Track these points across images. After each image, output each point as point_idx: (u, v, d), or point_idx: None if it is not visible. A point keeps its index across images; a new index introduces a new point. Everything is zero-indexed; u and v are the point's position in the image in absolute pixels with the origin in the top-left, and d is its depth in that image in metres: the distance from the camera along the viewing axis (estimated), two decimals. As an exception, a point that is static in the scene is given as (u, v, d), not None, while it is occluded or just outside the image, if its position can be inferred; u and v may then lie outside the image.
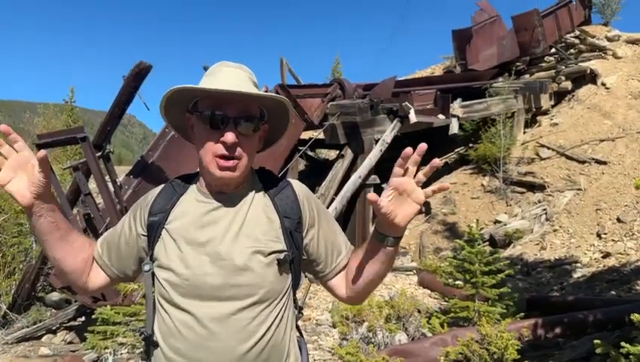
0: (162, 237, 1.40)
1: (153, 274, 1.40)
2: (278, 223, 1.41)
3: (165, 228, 1.40)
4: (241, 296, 1.34)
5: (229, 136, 1.30)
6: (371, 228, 9.27)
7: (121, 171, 8.37)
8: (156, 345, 1.38)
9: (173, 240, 1.38)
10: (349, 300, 1.54)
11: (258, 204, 1.43)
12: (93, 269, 1.50)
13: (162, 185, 1.51)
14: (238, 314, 1.33)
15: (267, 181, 1.50)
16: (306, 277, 1.69)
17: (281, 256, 1.37)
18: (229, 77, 1.35)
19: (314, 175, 10.81)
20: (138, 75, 5.30)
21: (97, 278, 1.51)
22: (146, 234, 1.44)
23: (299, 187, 1.51)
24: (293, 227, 1.42)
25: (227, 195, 1.42)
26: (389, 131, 8.55)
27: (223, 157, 1.33)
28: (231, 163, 1.33)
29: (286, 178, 1.56)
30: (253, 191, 1.45)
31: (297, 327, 1.54)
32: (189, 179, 1.50)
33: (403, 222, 1.27)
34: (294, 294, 1.48)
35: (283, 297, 1.41)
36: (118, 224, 1.54)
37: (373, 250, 1.38)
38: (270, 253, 1.37)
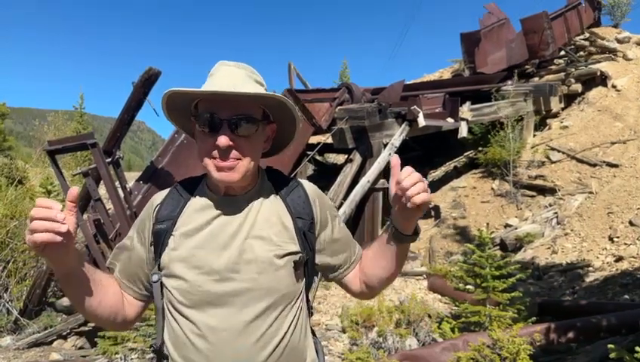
0: (170, 244, 1.33)
1: (162, 284, 1.34)
2: (291, 224, 1.38)
3: (173, 235, 1.34)
4: (256, 301, 1.29)
5: (222, 140, 1.24)
6: (380, 232, 9.22)
7: (131, 177, 8.41)
8: (167, 357, 1.33)
9: (181, 247, 1.32)
10: (362, 295, 1.56)
11: (269, 205, 1.39)
12: (124, 300, 1.41)
13: (165, 191, 1.45)
14: (254, 321, 1.28)
15: (277, 181, 1.45)
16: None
17: (297, 257, 1.34)
18: (225, 76, 1.30)
19: (322, 179, 10.80)
20: (147, 81, 5.34)
21: (130, 306, 1.42)
22: (152, 243, 1.37)
23: (310, 187, 1.48)
24: (306, 227, 1.39)
25: (236, 197, 1.37)
26: (397, 135, 8.54)
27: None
28: (228, 163, 1.27)
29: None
30: (263, 192, 1.41)
31: (312, 329, 1.50)
32: (196, 182, 1.44)
33: (419, 200, 1.18)
34: (307, 296, 1.45)
35: (297, 299, 1.38)
36: (125, 242, 1.45)
37: (388, 245, 1.37)
38: (285, 255, 1.33)
